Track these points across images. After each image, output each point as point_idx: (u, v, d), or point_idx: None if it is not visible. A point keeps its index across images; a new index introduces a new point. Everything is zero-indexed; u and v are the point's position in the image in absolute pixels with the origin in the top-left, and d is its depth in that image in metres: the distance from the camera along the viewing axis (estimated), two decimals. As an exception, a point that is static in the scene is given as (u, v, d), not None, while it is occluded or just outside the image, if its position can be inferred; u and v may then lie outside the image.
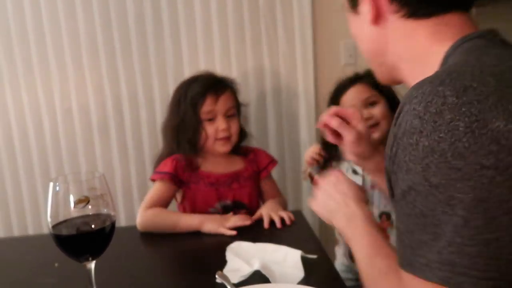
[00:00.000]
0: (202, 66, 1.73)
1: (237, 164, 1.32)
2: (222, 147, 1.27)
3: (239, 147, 1.35)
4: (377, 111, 1.30)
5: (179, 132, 1.27)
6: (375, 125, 1.30)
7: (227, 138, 1.27)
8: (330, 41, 1.79)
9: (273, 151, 1.80)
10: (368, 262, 0.63)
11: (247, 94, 1.76)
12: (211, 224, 1.08)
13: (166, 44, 1.71)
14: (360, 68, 1.45)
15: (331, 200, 0.75)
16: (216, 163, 1.31)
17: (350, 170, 1.35)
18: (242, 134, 1.37)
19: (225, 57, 1.73)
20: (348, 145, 0.85)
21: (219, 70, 1.73)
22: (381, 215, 1.31)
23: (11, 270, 0.92)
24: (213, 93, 1.24)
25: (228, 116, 1.27)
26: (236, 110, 1.31)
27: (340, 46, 1.79)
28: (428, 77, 0.48)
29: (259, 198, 1.37)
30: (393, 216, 1.39)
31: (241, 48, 1.72)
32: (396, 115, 0.50)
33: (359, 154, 0.85)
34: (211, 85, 1.26)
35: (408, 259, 0.47)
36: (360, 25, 0.65)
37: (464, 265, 0.42)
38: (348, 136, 0.83)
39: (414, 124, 0.45)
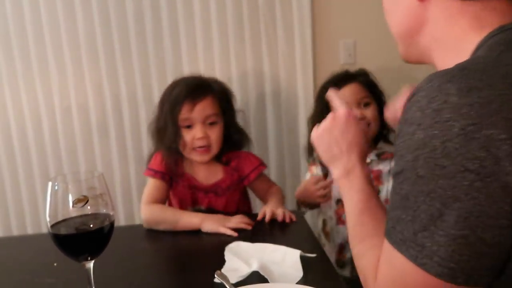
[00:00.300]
0: (201, 65, 1.73)
1: (216, 175, 1.28)
2: (199, 157, 1.22)
3: (223, 154, 1.28)
4: (370, 112, 1.32)
5: (161, 136, 1.24)
6: (367, 125, 1.31)
7: (206, 148, 1.21)
8: (329, 40, 1.79)
9: (272, 151, 1.80)
10: (358, 219, 0.66)
11: (246, 94, 1.76)
12: (211, 223, 1.07)
13: (165, 44, 1.71)
14: (359, 68, 1.45)
15: (336, 146, 0.73)
16: (197, 169, 1.28)
17: None
18: (230, 141, 1.29)
19: (224, 56, 1.73)
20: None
21: (218, 69, 1.73)
22: None
23: (10, 269, 0.92)
24: (190, 99, 1.18)
25: (209, 124, 1.21)
26: (219, 117, 1.24)
27: (339, 45, 1.79)
28: (442, 70, 0.49)
29: (242, 204, 1.34)
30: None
31: (241, 48, 1.72)
32: (407, 100, 0.51)
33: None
34: (190, 91, 1.20)
35: (388, 230, 0.52)
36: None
37: (432, 250, 0.46)
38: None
39: (416, 116, 0.47)
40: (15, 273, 0.91)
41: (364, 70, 1.41)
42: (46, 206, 0.69)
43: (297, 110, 1.77)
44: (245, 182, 1.31)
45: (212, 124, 1.22)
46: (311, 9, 1.73)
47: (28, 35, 1.66)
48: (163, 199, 1.25)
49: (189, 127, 1.21)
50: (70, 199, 0.70)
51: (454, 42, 0.57)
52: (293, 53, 1.74)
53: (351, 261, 1.34)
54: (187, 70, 1.73)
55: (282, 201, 1.28)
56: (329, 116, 0.76)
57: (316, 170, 1.41)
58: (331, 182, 1.28)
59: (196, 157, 1.22)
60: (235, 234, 1.02)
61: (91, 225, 0.71)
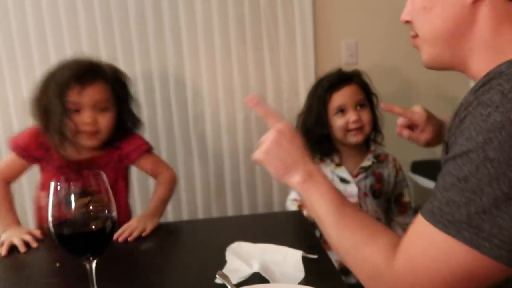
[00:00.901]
0: (203, 66, 1.73)
1: (95, 151, 1.21)
2: (87, 141, 1.16)
3: (114, 141, 1.23)
4: (365, 115, 1.31)
5: (46, 117, 1.14)
6: (360, 128, 1.30)
7: (94, 132, 1.15)
8: (331, 40, 1.79)
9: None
10: (340, 213, 0.63)
11: (247, 93, 1.76)
12: (9, 234, 1.03)
13: (167, 45, 1.71)
14: (360, 68, 1.45)
15: (289, 156, 0.70)
16: (71, 148, 1.19)
17: (337, 179, 1.32)
18: (123, 128, 1.24)
19: (226, 57, 1.73)
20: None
21: (220, 70, 1.73)
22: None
23: (12, 269, 0.92)
24: (79, 83, 1.11)
25: (99, 110, 1.15)
26: (110, 103, 1.18)
27: (341, 45, 1.80)
28: None
29: (119, 185, 1.26)
30: (383, 221, 1.37)
31: (242, 48, 1.72)
32: (477, 86, 0.50)
33: (431, 131, 0.98)
34: (79, 73, 1.12)
35: (431, 210, 0.51)
36: (448, 1, 0.58)
37: (491, 233, 0.46)
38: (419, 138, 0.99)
39: (494, 98, 0.47)
40: (18, 272, 0.91)
41: (359, 71, 1.39)
42: (49, 206, 0.69)
43: (299, 110, 1.77)
44: (125, 161, 1.25)
45: (103, 110, 1.16)
46: (313, 9, 1.73)
47: (30, 35, 1.67)
48: (13, 178, 1.22)
49: (77, 111, 1.13)
50: (72, 199, 0.71)
51: (502, 46, 0.55)
52: (295, 53, 1.75)
53: None
54: (188, 71, 1.73)
55: (166, 196, 1.24)
56: (272, 131, 0.74)
57: None
58: None
59: (83, 140, 1.16)
60: (3, 253, 0.97)
61: (93, 225, 0.71)
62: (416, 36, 0.66)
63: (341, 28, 1.79)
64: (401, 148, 1.49)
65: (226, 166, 1.80)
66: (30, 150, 1.19)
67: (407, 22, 0.67)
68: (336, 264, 1.30)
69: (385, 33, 1.77)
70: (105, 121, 1.16)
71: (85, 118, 1.13)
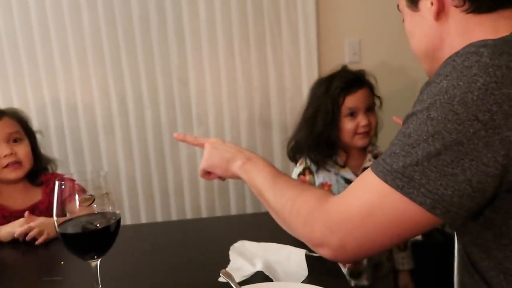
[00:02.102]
0: (206, 65, 1.73)
1: (34, 196, 1.24)
2: (12, 174, 1.20)
3: (37, 175, 1.26)
4: (373, 119, 1.31)
5: None
6: (368, 132, 1.30)
7: (16, 164, 1.20)
8: (335, 39, 1.79)
9: (276, 149, 1.80)
10: (275, 181, 0.72)
11: (250, 93, 1.76)
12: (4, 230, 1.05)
13: (170, 44, 1.71)
14: (364, 67, 1.44)
15: (226, 152, 0.82)
16: (12, 195, 1.23)
17: (342, 180, 1.32)
18: (41, 160, 1.29)
19: (229, 56, 1.73)
20: None
21: (223, 69, 1.73)
22: None
23: (18, 268, 0.93)
24: None
25: (13, 141, 1.22)
26: (22, 134, 1.25)
27: (344, 44, 1.79)
28: (477, 41, 0.54)
29: None
30: None
31: (245, 47, 1.73)
32: (440, 67, 0.56)
33: None
34: None
35: (377, 162, 0.58)
36: (419, 21, 0.67)
37: (420, 183, 0.52)
38: None
39: (446, 69, 0.54)
40: (22, 271, 0.92)
41: (365, 72, 1.37)
42: (54, 205, 0.70)
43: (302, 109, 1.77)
44: None
45: (16, 141, 1.23)
46: (316, 7, 1.73)
47: (34, 35, 1.68)
48: None
49: None
50: (77, 198, 0.71)
51: None
52: (298, 52, 1.75)
53: (367, 269, 1.33)
54: (192, 70, 1.73)
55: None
56: (205, 145, 0.87)
57: (311, 178, 1.35)
58: None
59: (8, 174, 1.20)
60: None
61: (98, 224, 0.72)
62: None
63: (345, 27, 1.79)
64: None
65: (229, 165, 1.80)
66: None
67: None
68: (345, 268, 1.31)
69: (389, 31, 1.77)
70: (22, 150, 1.22)
71: (3, 151, 1.19)
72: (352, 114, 1.30)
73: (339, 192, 1.34)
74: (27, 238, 1.03)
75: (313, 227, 0.61)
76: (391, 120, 1.44)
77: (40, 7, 1.66)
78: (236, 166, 0.78)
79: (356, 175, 1.32)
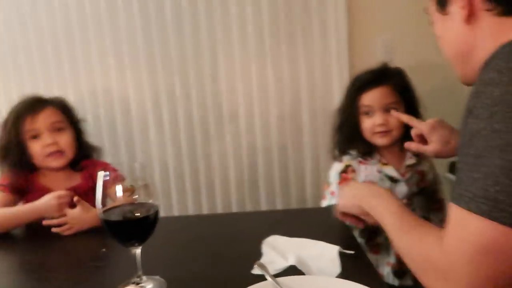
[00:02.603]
0: (237, 62, 1.75)
1: (73, 180, 1.28)
2: (54, 162, 1.24)
3: (79, 162, 1.30)
4: (394, 119, 1.25)
5: (5, 154, 1.24)
6: (387, 131, 1.26)
7: (59, 153, 1.24)
8: (366, 37, 1.76)
9: (306, 147, 1.80)
10: (400, 219, 0.71)
11: (281, 93, 1.77)
12: (44, 212, 1.09)
13: (202, 41, 1.74)
14: (398, 65, 1.41)
15: (357, 191, 0.87)
16: (53, 178, 1.28)
17: (386, 178, 1.29)
18: (84, 148, 1.33)
19: (259, 54, 1.74)
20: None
21: (254, 67, 1.75)
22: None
23: (62, 254, 0.98)
24: (31, 112, 1.22)
25: (56, 130, 1.25)
26: (65, 123, 1.28)
27: (377, 42, 1.77)
28: (508, 41, 0.54)
29: None
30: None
31: (276, 45, 1.73)
32: (480, 71, 0.55)
33: (438, 141, 1.01)
34: (29, 105, 1.25)
35: (457, 194, 0.55)
36: (449, 25, 0.67)
37: (506, 203, 0.49)
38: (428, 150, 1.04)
39: (492, 76, 0.52)
40: (67, 257, 0.97)
41: (399, 71, 1.33)
42: (98, 194, 0.73)
43: (332, 108, 1.76)
44: None
45: (59, 130, 1.25)
46: (348, 4, 1.71)
47: (74, 34, 1.75)
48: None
49: (35, 137, 1.22)
50: (119, 188, 0.74)
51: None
52: (329, 51, 1.74)
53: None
54: (223, 68, 1.76)
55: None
56: (344, 188, 0.93)
57: (353, 176, 1.32)
58: None
59: (50, 163, 1.24)
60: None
61: (138, 214, 0.75)
62: None
63: (377, 24, 1.76)
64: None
65: (259, 162, 1.82)
66: (17, 186, 1.23)
67: None
68: (389, 267, 1.29)
69: (424, 28, 1.72)
70: (64, 139, 1.26)
71: (45, 140, 1.22)
72: (369, 112, 1.28)
73: None
74: (53, 230, 1.06)
75: (428, 277, 0.60)
76: (426, 119, 1.42)
77: (80, 4, 1.72)
78: (364, 203, 0.82)
79: (400, 173, 1.30)
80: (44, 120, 1.23)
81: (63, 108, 1.31)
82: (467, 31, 0.64)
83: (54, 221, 1.07)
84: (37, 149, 1.23)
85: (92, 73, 1.78)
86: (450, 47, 0.69)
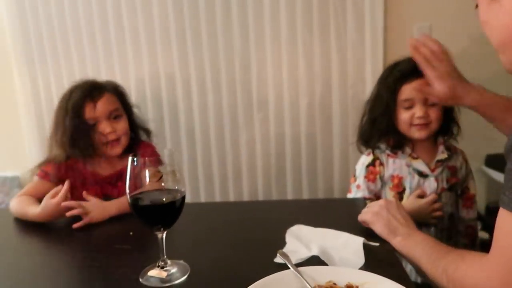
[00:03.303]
0: (268, 53, 1.74)
1: (120, 164, 1.28)
2: (111, 150, 1.25)
3: (130, 146, 1.30)
4: (433, 112, 1.21)
5: (71, 140, 1.22)
6: (426, 124, 1.22)
7: (116, 141, 1.25)
8: (403, 24, 1.71)
9: (336, 137, 1.78)
10: (433, 251, 0.73)
11: (312, 81, 1.75)
12: (48, 218, 1.07)
13: (234, 30, 1.74)
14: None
15: (395, 220, 0.87)
16: (102, 163, 1.28)
17: (414, 172, 1.26)
18: (136, 132, 1.34)
19: (291, 42, 1.72)
20: (433, 82, 1.01)
21: (285, 57, 1.73)
22: (449, 216, 1.28)
23: (92, 236, 1.02)
24: (90, 100, 1.22)
25: (113, 118, 1.25)
26: (121, 111, 1.28)
27: (413, 30, 1.71)
28: None
29: None
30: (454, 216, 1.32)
31: (308, 34, 1.71)
32: None
33: (448, 89, 1.00)
34: (87, 92, 1.23)
35: (507, 200, 0.56)
36: (496, 10, 0.63)
37: None
38: (431, 74, 1.01)
39: None
40: (96, 239, 1.01)
41: None
42: (127, 179, 0.76)
43: (364, 97, 1.72)
44: None
45: (116, 118, 1.26)
46: (384, -8, 1.66)
47: (109, 25, 1.79)
48: (38, 197, 1.19)
49: (95, 125, 1.23)
50: (147, 174, 0.76)
51: None
52: (363, 38, 1.69)
53: None
54: (254, 56, 1.75)
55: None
56: (382, 200, 0.93)
57: (381, 170, 1.29)
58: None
59: (108, 151, 1.25)
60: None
61: (165, 199, 0.77)
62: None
63: (414, 10, 1.70)
64: (475, 141, 1.39)
65: (287, 151, 1.82)
66: (60, 176, 1.24)
67: None
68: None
69: (464, 16, 1.65)
70: (121, 127, 1.27)
71: (105, 129, 1.23)
72: (409, 104, 1.23)
73: (411, 187, 1.26)
74: (68, 214, 1.06)
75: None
76: (463, 113, 1.36)
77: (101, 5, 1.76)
78: (396, 241, 0.83)
79: (430, 168, 1.26)
80: (103, 108, 1.23)
81: (118, 94, 1.31)
82: None
83: (75, 212, 1.06)
84: (96, 136, 1.24)
85: (127, 64, 1.82)
86: (497, 34, 0.65)
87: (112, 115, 1.26)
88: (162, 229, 0.78)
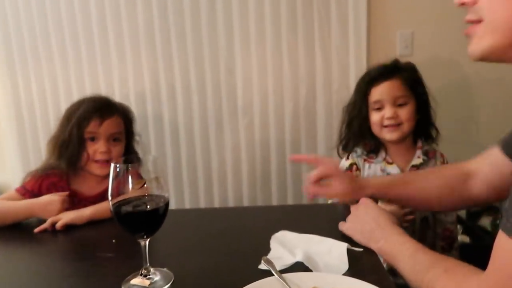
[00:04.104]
0: (253, 55, 1.75)
1: (106, 184, 1.26)
2: (99, 170, 1.24)
3: None
4: (404, 112, 1.25)
5: (62, 147, 1.23)
6: (397, 125, 1.25)
7: (107, 162, 1.23)
8: (386, 31, 1.73)
9: (320, 141, 1.79)
10: (415, 258, 0.71)
11: (297, 87, 1.76)
12: (42, 213, 1.06)
13: (219, 34, 1.74)
14: (416, 60, 1.39)
15: (366, 225, 0.85)
16: (86, 182, 1.27)
17: (386, 173, 1.28)
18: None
19: (276, 47, 1.73)
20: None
21: (270, 60, 1.74)
22: (422, 220, 1.30)
23: (74, 244, 1.00)
24: (99, 116, 1.22)
25: (112, 140, 1.25)
26: (122, 136, 1.29)
27: (396, 36, 1.74)
28: None
29: None
30: (431, 221, 1.33)
31: (293, 38, 1.72)
32: None
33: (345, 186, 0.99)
34: (99, 107, 1.24)
35: (507, 224, 0.54)
36: None
37: None
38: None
39: None
40: (78, 247, 0.99)
41: (410, 65, 1.33)
42: (109, 186, 0.74)
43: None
44: None
45: (115, 140, 1.26)
46: (367, -2, 1.68)
47: (93, 27, 1.77)
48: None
49: (92, 139, 1.23)
50: (130, 180, 0.75)
51: None
52: (347, 44, 1.71)
53: None
54: (239, 60, 1.75)
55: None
56: (357, 206, 0.91)
57: (358, 174, 1.33)
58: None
59: (96, 170, 1.24)
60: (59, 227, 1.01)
61: (148, 206, 0.76)
62: (476, 21, 0.59)
63: (397, 18, 1.73)
64: (456, 146, 1.42)
65: (272, 156, 1.82)
66: (40, 192, 1.21)
67: (463, 4, 0.61)
68: (384, 265, 1.28)
69: (445, 23, 1.69)
70: (117, 151, 1.26)
71: (100, 147, 1.22)
72: (378, 105, 1.27)
73: None
74: (36, 230, 1.03)
75: None
76: (443, 115, 1.39)
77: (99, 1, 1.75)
78: (375, 247, 0.82)
79: (403, 172, 1.28)
80: (107, 127, 1.23)
81: (126, 119, 1.32)
82: None
83: (46, 225, 1.04)
84: (90, 151, 1.23)
85: (110, 66, 1.80)
86: (503, 9, 0.55)
87: (112, 137, 1.25)
88: (145, 236, 0.77)
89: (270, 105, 1.79)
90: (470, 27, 0.61)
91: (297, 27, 1.72)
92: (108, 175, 1.24)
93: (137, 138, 1.38)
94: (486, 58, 0.61)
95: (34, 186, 1.23)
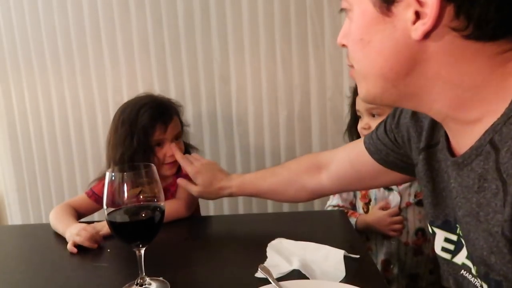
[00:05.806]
0: (247, 63, 1.75)
1: (167, 179, 1.29)
2: (169, 171, 1.27)
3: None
4: (377, 123, 1.26)
5: (129, 158, 1.22)
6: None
7: (175, 161, 1.25)
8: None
9: (315, 149, 1.79)
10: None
11: (291, 95, 1.76)
12: (69, 233, 1.03)
13: (213, 42, 1.75)
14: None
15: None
16: None
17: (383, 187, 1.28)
18: (188, 150, 1.35)
19: (270, 55, 1.74)
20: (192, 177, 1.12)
21: (264, 68, 1.75)
22: (417, 231, 1.28)
23: (69, 254, 0.99)
24: (162, 123, 1.24)
25: (175, 139, 1.27)
26: (182, 131, 1.32)
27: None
28: None
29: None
30: (428, 232, 1.33)
31: (287, 46, 1.73)
32: (494, 158, 0.48)
33: (201, 184, 1.10)
34: (160, 114, 1.25)
35: None
36: (387, 31, 0.50)
37: None
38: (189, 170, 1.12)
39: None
40: (73, 257, 0.98)
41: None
42: (104, 195, 0.74)
43: (343, 109, 1.75)
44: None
45: (177, 138, 1.29)
46: (360, 7, 1.70)
47: (87, 37, 1.77)
48: (83, 214, 1.24)
49: (159, 145, 1.24)
50: (125, 189, 0.75)
51: (473, 86, 0.50)
52: (341, 51, 1.72)
53: (397, 278, 1.30)
54: (233, 68, 1.76)
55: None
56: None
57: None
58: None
59: (166, 171, 1.27)
60: (74, 250, 0.97)
61: (143, 215, 0.76)
62: (352, 66, 0.58)
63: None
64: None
65: (267, 164, 1.82)
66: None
67: (344, 45, 0.59)
68: (379, 267, 1.28)
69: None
70: (180, 148, 1.28)
71: (168, 151, 1.24)
72: (359, 114, 1.30)
73: (376, 198, 1.35)
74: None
75: None
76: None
77: (92, 9, 1.74)
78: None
79: None
80: (171, 131, 1.25)
81: (179, 115, 1.34)
82: (415, 46, 0.49)
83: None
84: (159, 156, 1.24)
85: (104, 74, 1.79)
86: (383, 61, 0.52)
87: (175, 138, 1.27)
88: (140, 245, 0.76)
89: (264, 113, 1.79)
90: (350, 71, 0.60)
91: (291, 35, 1.73)
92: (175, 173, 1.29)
93: (186, 128, 1.39)
94: (372, 102, 0.61)
95: (101, 190, 1.23)
